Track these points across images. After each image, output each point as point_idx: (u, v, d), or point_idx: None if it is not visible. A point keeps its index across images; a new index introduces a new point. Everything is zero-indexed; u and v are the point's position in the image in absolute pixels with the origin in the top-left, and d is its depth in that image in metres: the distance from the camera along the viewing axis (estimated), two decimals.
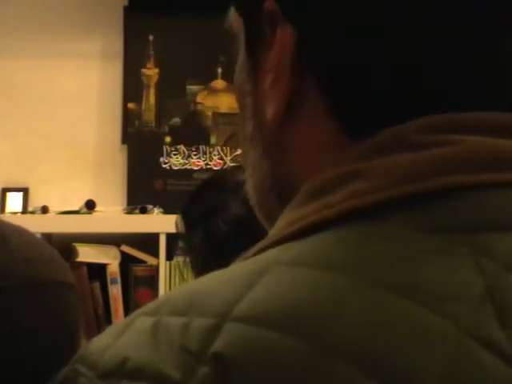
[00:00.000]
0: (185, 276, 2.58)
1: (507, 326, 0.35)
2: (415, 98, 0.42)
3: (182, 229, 1.34)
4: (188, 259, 1.38)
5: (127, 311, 2.58)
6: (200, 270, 1.34)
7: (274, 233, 0.44)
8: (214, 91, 2.92)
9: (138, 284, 2.63)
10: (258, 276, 0.38)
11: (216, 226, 1.26)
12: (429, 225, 0.39)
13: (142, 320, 0.39)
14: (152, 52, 2.91)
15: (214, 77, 2.92)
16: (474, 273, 0.37)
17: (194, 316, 0.37)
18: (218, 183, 1.33)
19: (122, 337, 0.39)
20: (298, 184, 0.46)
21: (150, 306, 0.40)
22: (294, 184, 0.46)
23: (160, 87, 2.91)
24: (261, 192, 0.51)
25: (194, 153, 2.90)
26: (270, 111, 0.46)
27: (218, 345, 0.35)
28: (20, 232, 0.73)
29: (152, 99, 2.91)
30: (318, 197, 0.42)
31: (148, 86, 2.91)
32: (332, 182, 0.42)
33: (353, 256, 0.38)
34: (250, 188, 0.52)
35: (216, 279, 0.41)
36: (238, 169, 1.39)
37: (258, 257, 0.42)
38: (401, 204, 0.40)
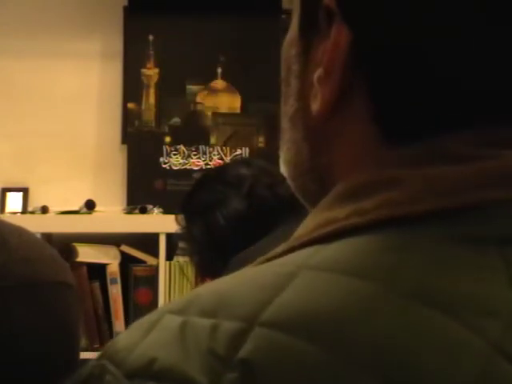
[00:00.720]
0: (185, 271, 2.58)
1: None
2: (460, 111, 0.42)
3: (182, 220, 1.33)
4: (188, 251, 1.37)
5: (127, 311, 2.58)
6: (199, 262, 1.33)
7: (302, 233, 0.44)
8: (214, 91, 2.92)
9: (138, 284, 2.63)
10: (286, 280, 0.38)
11: (216, 220, 1.25)
12: (463, 237, 0.39)
13: (169, 318, 0.39)
14: (152, 52, 2.91)
15: (213, 77, 2.92)
16: (505, 287, 0.37)
17: (222, 318, 0.37)
18: (220, 176, 1.32)
19: (149, 335, 0.38)
20: (335, 179, 0.46)
21: (177, 303, 0.40)
22: (332, 177, 0.46)
23: (160, 87, 2.91)
24: (297, 171, 0.50)
25: (194, 153, 2.90)
26: (315, 106, 0.46)
27: (245, 350, 0.35)
28: (20, 232, 0.73)
29: (152, 99, 2.91)
30: (351, 200, 0.42)
31: (148, 86, 2.91)
32: (366, 187, 0.42)
33: (384, 265, 0.38)
34: (283, 162, 0.51)
35: (244, 280, 0.40)
36: (240, 162, 1.38)
37: (285, 258, 0.41)
38: (436, 215, 0.39)
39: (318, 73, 0.45)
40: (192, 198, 1.33)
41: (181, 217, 1.33)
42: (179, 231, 1.33)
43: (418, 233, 0.39)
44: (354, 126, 0.45)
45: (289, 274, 0.38)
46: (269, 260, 0.43)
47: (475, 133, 0.41)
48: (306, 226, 0.44)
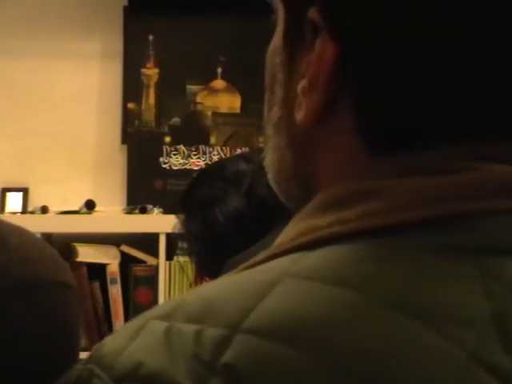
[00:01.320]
0: (185, 271, 2.58)
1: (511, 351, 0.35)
2: (441, 125, 0.43)
3: (181, 216, 1.32)
4: (187, 251, 1.36)
5: (127, 311, 2.58)
6: (197, 258, 1.32)
7: (284, 240, 0.45)
8: (214, 91, 2.92)
9: (138, 284, 2.63)
10: (268, 287, 0.39)
11: (215, 217, 1.25)
12: (440, 247, 0.40)
13: (155, 324, 0.39)
14: (152, 52, 2.91)
15: (213, 77, 2.92)
16: (481, 296, 0.37)
17: (206, 325, 0.38)
18: (219, 172, 1.31)
19: (135, 340, 0.39)
20: (319, 187, 0.46)
21: (163, 308, 0.41)
22: (316, 185, 0.47)
23: (160, 87, 2.91)
24: (281, 176, 0.51)
25: (194, 153, 2.90)
26: (299, 116, 0.46)
27: (228, 356, 0.36)
28: (20, 232, 0.73)
29: (152, 99, 2.91)
30: (334, 209, 0.43)
31: (148, 86, 2.91)
32: (349, 197, 0.43)
33: (365, 274, 0.39)
34: (268, 164, 0.52)
35: (228, 287, 0.41)
36: (239, 158, 1.37)
37: (268, 265, 0.42)
38: (415, 226, 0.40)
39: (302, 84, 0.46)
40: (191, 194, 1.33)
41: (180, 211, 1.32)
42: (178, 228, 1.32)
43: (397, 243, 0.40)
44: (338, 136, 0.46)
45: (271, 281, 0.39)
46: (252, 266, 0.43)
47: (456, 146, 0.42)
48: (288, 234, 0.45)
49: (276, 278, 0.39)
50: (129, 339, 0.39)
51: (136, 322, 0.41)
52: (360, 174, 0.44)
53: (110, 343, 0.40)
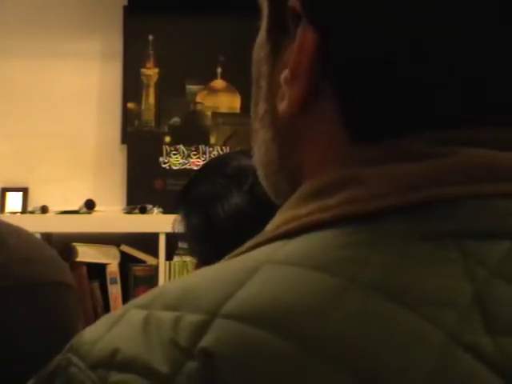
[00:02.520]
0: (186, 270, 2.58)
1: (493, 332, 0.36)
2: (422, 112, 0.43)
3: (181, 211, 1.31)
4: (188, 249, 1.35)
5: None
6: (198, 255, 1.32)
7: (268, 229, 0.45)
8: (214, 91, 2.92)
9: (138, 284, 2.63)
10: (248, 274, 0.39)
11: (216, 214, 1.24)
12: (421, 232, 0.40)
13: (134, 312, 0.40)
14: (152, 52, 2.91)
15: (213, 77, 2.92)
16: (463, 279, 0.37)
17: (185, 311, 0.38)
18: (221, 168, 1.30)
19: (113, 328, 0.40)
20: (303, 178, 0.47)
21: (143, 298, 0.41)
22: (301, 177, 0.47)
23: (160, 87, 2.91)
24: (268, 170, 0.52)
25: (194, 153, 2.90)
26: (281, 106, 0.47)
27: (206, 341, 0.36)
28: (18, 232, 0.73)
29: (152, 99, 2.91)
30: (316, 198, 0.43)
31: (148, 86, 2.91)
32: (330, 185, 0.43)
33: (345, 259, 0.39)
34: (256, 160, 0.53)
35: (209, 275, 0.41)
36: (241, 153, 1.36)
37: (250, 254, 0.42)
38: (395, 211, 0.41)
39: (285, 74, 0.46)
40: (192, 189, 1.32)
41: (180, 204, 1.31)
42: (177, 226, 1.31)
43: (379, 228, 0.40)
44: (320, 126, 0.46)
45: (252, 268, 0.39)
46: (235, 256, 0.44)
47: (436, 132, 0.42)
48: (274, 223, 0.45)
49: (256, 265, 0.39)
50: (107, 328, 0.40)
51: (116, 312, 0.41)
52: (342, 163, 0.44)
53: (88, 332, 0.41)
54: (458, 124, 0.42)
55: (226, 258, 0.45)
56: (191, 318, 0.37)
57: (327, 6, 0.44)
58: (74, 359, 0.39)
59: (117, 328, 0.39)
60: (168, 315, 0.38)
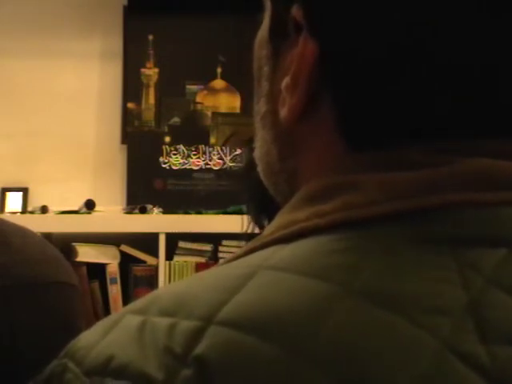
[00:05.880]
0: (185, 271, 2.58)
1: (487, 340, 0.36)
2: (418, 123, 0.43)
3: (243, 162, 1.31)
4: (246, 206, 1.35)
5: None
6: (255, 216, 1.31)
7: (265, 233, 0.45)
8: (214, 91, 2.93)
9: (138, 284, 2.63)
10: (243, 280, 0.39)
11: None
12: (415, 238, 0.40)
13: (129, 318, 0.40)
14: (151, 52, 2.91)
15: (213, 77, 2.92)
16: (458, 286, 0.37)
17: (180, 318, 0.38)
18: None
19: (109, 334, 0.40)
20: (301, 183, 0.47)
21: (138, 303, 0.41)
22: (299, 181, 0.48)
23: (159, 87, 2.91)
24: (269, 169, 0.52)
25: (194, 153, 2.90)
26: (282, 112, 0.47)
27: (200, 348, 0.36)
28: (23, 232, 0.73)
29: (151, 99, 2.91)
30: (312, 203, 0.44)
31: (147, 86, 2.91)
32: (327, 191, 0.44)
33: (339, 265, 0.39)
34: (257, 157, 0.53)
35: (205, 280, 0.41)
36: None
37: (246, 258, 0.42)
38: (390, 218, 0.41)
39: (286, 81, 0.47)
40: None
41: (243, 161, 1.30)
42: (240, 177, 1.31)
43: (373, 234, 0.41)
44: (319, 132, 0.47)
45: (247, 274, 0.39)
46: (232, 260, 0.44)
47: (434, 142, 0.43)
48: (270, 227, 0.46)
49: (252, 271, 0.39)
50: (103, 334, 0.40)
51: (111, 317, 0.42)
52: (339, 169, 0.45)
53: (84, 338, 0.41)
54: (455, 134, 0.43)
55: (223, 261, 0.45)
56: (186, 325, 0.37)
57: (328, 20, 0.45)
58: (70, 365, 0.39)
59: (112, 334, 0.40)
60: (163, 321, 0.38)
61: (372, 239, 0.40)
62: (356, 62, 0.44)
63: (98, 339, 0.40)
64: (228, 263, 0.43)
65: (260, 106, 0.51)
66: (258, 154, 0.53)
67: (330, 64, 0.45)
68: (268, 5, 0.50)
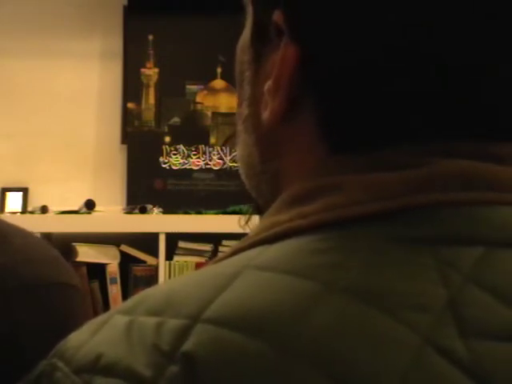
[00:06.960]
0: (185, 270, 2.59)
1: (466, 336, 0.37)
2: (399, 126, 0.44)
3: None
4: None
5: None
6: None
7: (251, 235, 0.46)
8: (214, 91, 2.93)
9: (138, 284, 2.63)
10: (230, 279, 0.40)
11: None
12: (396, 238, 0.41)
13: (117, 318, 0.41)
14: (151, 52, 2.92)
15: (213, 77, 2.92)
16: (438, 284, 0.38)
17: (167, 317, 0.39)
18: None
19: (97, 334, 0.40)
20: (284, 185, 0.48)
21: (127, 304, 0.42)
22: (282, 183, 0.48)
23: (159, 87, 2.91)
24: (251, 171, 0.53)
25: (194, 153, 2.90)
26: (264, 115, 0.48)
27: (187, 345, 0.37)
28: (24, 233, 0.73)
29: (151, 99, 2.91)
30: (295, 205, 0.44)
31: (147, 86, 2.91)
32: (310, 193, 0.44)
33: (323, 264, 0.40)
34: (239, 159, 0.54)
35: (192, 280, 0.42)
36: None
37: (233, 259, 0.43)
38: (372, 218, 0.42)
39: (268, 85, 0.47)
40: None
41: None
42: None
43: (356, 234, 0.41)
44: (301, 135, 0.47)
45: (232, 273, 0.40)
46: (219, 260, 0.45)
47: (415, 144, 0.43)
48: (255, 230, 0.47)
49: (237, 270, 0.40)
50: (92, 333, 0.41)
51: (100, 317, 0.43)
52: (321, 171, 0.45)
53: (73, 338, 0.42)
54: (434, 136, 0.43)
55: (211, 262, 0.46)
56: (173, 323, 0.38)
57: (309, 25, 0.45)
58: (59, 364, 0.40)
59: (101, 333, 0.40)
60: (151, 320, 0.39)
61: (354, 239, 0.41)
62: (336, 67, 0.44)
63: (87, 339, 0.40)
64: (216, 263, 0.44)
65: (242, 110, 0.52)
66: (239, 155, 0.54)
67: (312, 68, 0.45)
68: (250, 10, 0.50)
